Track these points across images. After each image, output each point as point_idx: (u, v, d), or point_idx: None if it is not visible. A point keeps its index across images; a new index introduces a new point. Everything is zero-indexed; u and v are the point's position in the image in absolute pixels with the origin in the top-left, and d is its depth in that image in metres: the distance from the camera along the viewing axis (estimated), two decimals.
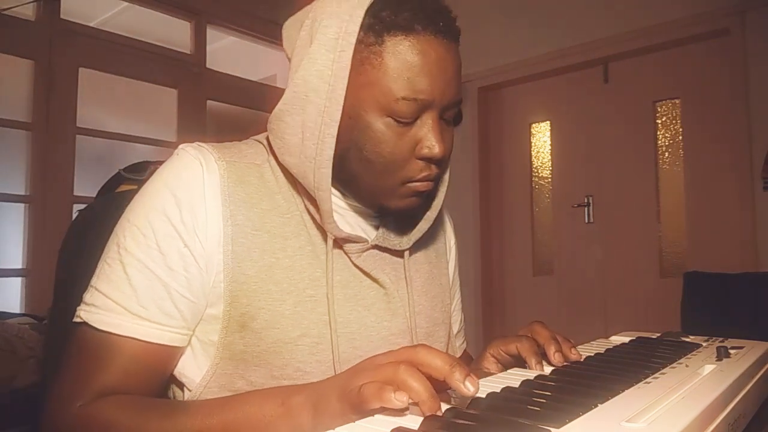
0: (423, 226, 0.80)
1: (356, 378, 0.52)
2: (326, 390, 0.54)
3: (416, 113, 0.67)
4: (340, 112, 0.66)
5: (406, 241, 0.78)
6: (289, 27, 0.75)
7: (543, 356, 0.71)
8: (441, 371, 0.51)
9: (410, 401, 0.48)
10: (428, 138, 0.68)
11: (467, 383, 0.50)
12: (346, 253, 0.73)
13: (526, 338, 0.73)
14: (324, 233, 0.72)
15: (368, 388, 0.49)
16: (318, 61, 0.67)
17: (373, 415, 0.48)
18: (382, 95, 0.66)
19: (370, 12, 0.66)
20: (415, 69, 0.65)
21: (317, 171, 0.67)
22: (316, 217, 0.71)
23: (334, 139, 0.67)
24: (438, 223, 0.86)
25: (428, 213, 0.80)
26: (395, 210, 0.73)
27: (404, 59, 0.65)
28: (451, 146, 0.74)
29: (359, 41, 0.66)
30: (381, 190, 0.71)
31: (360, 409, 0.49)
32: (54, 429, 0.63)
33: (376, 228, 0.78)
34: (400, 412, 0.48)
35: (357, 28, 0.66)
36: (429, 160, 0.69)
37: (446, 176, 0.80)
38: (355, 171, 0.70)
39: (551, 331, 0.74)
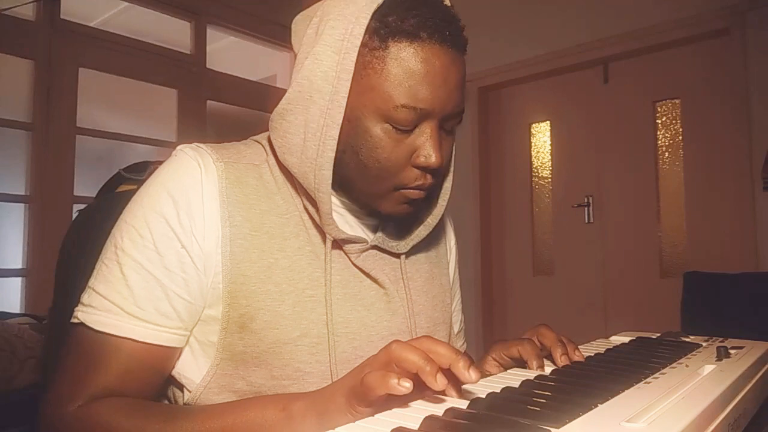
0: (422, 232, 0.79)
1: (359, 375, 0.52)
2: (331, 392, 0.55)
3: (415, 121, 0.67)
4: (342, 114, 0.66)
5: (403, 245, 0.78)
6: (298, 22, 0.74)
7: (548, 358, 0.71)
8: (445, 358, 0.51)
9: (412, 386, 0.49)
10: (426, 147, 0.67)
11: (471, 371, 0.50)
12: (345, 253, 0.73)
13: (528, 341, 0.73)
14: (323, 233, 0.72)
15: (371, 377, 0.49)
16: (323, 62, 0.67)
17: (377, 407, 0.49)
18: (381, 101, 0.65)
19: (376, 16, 0.65)
20: (417, 77, 0.64)
21: (318, 172, 0.67)
22: (316, 217, 0.71)
23: (336, 141, 0.67)
24: (438, 223, 0.86)
25: (428, 219, 0.80)
26: (387, 215, 0.73)
27: (407, 66, 0.64)
28: (450, 156, 0.74)
29: (363, 44, 0.65)
30: (374, 194, 0.70)
31: (366, 400, 0.50)
32: (51, 430, 0.63)
33: (375, 229, 0.78)
34: (400, 411, 0.48)
35: (362, 31, 0.65)
36: (425, 169, 0.68)
37: (449, 185, 0.79)
38: (349, 174, 0.70)
39: (557, 334, 0.74)
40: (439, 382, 0.50)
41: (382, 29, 0.65)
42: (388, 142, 0.67)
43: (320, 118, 0.67)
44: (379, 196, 0.70)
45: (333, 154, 0.67)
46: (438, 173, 0.71)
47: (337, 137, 0.67)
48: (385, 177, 0.69)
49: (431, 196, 0.77)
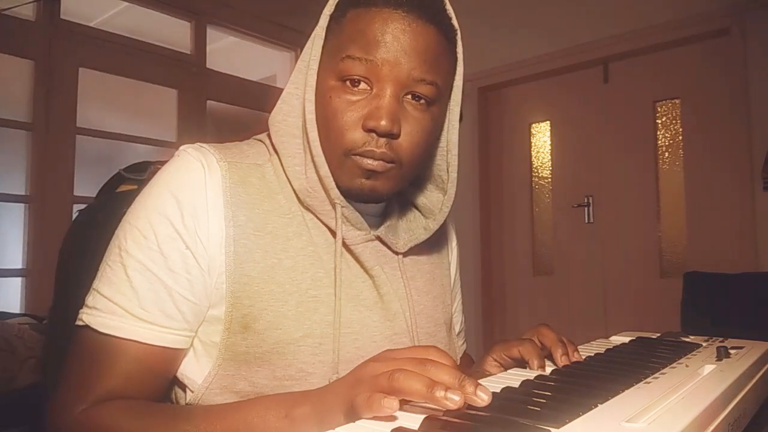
0: (421, 235, 0.79)
1: (355, 389, 0.52)
2: (331, 401, 0.54)
3: (364, 75, 0.67)
4: (315, 76, 0.69)
5: (402, 245, 0.78)
6: None
7: (548, 358, 0.71)
8: (451, 385, 0.50)
9: (405, 404, 0.48)
10: (377, 109, 0.66)
11: (480, 393, 0.49)
12: (347, 251, 0.73)
13: (529, 341, 0.73)
14: (326, 232, 0.72)
15: (359, 400, 0.49)
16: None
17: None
18: (332, 57, 0.69)
19: None
20: (368, 35, 0.67)
21: (310, 134, 0.69)
22: (321, 193, 0.70)
23: (313, 104, 0.69)
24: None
25: (430, 223, 0.80)
26: (348, 192, 0.70)
27: (358, 27, 0.67)
28: (418, 132, 0.69)
29: (331, 17, 0.70)
30: (332, 163, 0.69)
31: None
32: None
33: (377, 228, 0.77)
34: (400, 411, 0.48)
35: (334, 5, 0.70)
36: (373, 131, 0.66)
37: (452, 191, 0.78)
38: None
39: (557, 334, 0.74)
40: (452, 403, 0.48)
41: (347, 1, 0.69)
42: (338, 101, 0.68)
43: (303, 86, 0.70)
44: (337, 166, 0.69)
45: (313, 116, 0.69)
46: (393, 137, 0.67)
47: (313, 99, 0.69)
48: (334, 139, 0.68)
49: (404, 178, 0.73)
